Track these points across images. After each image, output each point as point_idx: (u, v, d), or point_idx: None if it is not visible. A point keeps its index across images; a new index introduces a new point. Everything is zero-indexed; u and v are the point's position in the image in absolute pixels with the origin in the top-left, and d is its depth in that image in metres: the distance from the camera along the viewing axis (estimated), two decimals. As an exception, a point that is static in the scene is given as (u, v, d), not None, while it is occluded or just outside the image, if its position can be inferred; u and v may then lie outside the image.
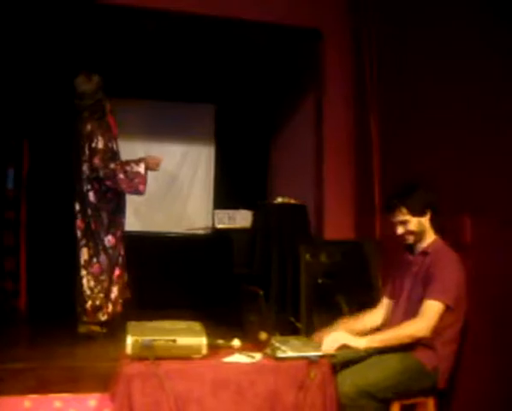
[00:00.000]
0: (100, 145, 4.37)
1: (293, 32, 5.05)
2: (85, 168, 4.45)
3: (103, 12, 4.59)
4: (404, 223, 3.05)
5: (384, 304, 3.27)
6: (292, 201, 4.80)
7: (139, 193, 4.47)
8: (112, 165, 4.35)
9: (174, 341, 2.71)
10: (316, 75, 5.03)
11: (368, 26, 4.51)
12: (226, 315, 4.80)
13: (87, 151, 4.40)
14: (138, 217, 6.80)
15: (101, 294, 4.48)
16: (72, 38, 5.33)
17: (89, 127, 4.41)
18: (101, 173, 4.35)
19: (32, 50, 5.60)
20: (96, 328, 4.46)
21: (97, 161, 4.34)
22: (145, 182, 4.41)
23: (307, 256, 4.12)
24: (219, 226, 5.89)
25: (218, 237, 6.11)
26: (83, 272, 4.50)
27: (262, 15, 4.75)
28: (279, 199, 4.80)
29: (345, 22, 4.87)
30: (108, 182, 4.39)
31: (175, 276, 6.50)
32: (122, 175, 4.36)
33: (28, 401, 3.23)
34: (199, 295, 6.20)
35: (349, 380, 2.80)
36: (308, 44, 5.08)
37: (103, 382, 3.20)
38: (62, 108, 6.21)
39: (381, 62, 4.37)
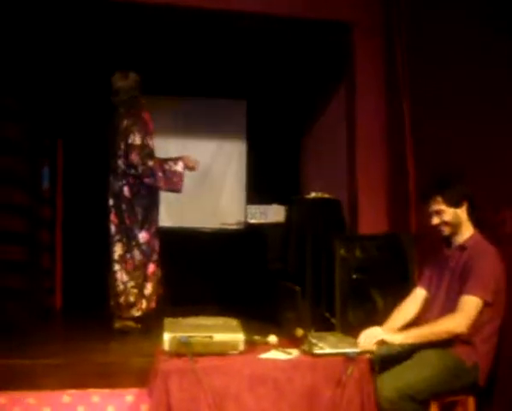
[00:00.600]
0: (137, 140, 4.40)
1: (323, 25, 5.00)
2: (120, 163, 4.48)
3: (137, 10, 4.61)
4: (439, 213, 3.00)
5: (418, 295, 3.21)
6: (325, 196, 4.76)
7: (176, 191, 4.52)
8: (151, 163, 4.39)
9: (211, 337, 2.71)
10: (347, 67, 4.99)
11: (399, 15, 4.45)
12: (261, 311, 4.80)
13: (123, 147, 4.44)
14: (170, 212, 6.83)
15: (135, 290, 4.51)
16: (106, 37, 5.35)
17: (125, 122, 4.45)
18: (139, 169, 4.38)
19: (66, 49, 5.65)
20: (130, 323, 4.49)
21: (134, 157, 4.37)
22: (182, 181, 4.49)
23: (342, 251, 4.08)
24: (252, 221, 5.89)
25: (251, 232, 6.11)
26: (116, 267, 4.54)
27: (293, 10, 4.72)
28: (313, 194, 4.77)
29: (375, 12, 4.82)
30: (146, 179, 4.43)
31: (208, 272, 6.52)
32: (160, 174, 4.40)
33: (67, 396, 3.27)
34: (233, 291, 6.21)
35: (389, 383, 2.75)
36: (338, 36, 5.03)
37: (138, 377, 3.23)
38: (95, 106, 6.30)
39: (412, 51, 4.30)
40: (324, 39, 5.35)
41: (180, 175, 4.50)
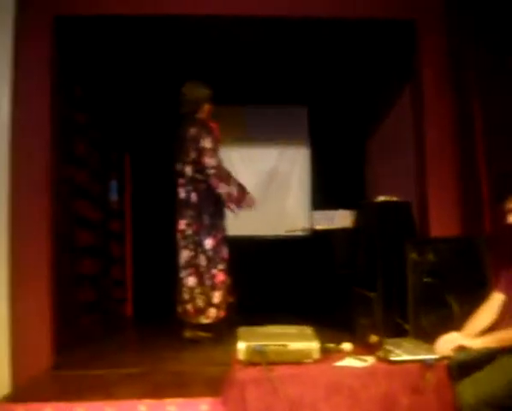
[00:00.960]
0: (208, 144, 4.48)
1: (386, 26, 4.91)
2: (188, 170, 4.55)
3: (200, 22, 4.66)
4: (516, 210, 2.88)
5: (496, 300, 3.10)
6: (394, 199, 4.66)
7: (241, 205, 4.62)
8: (225, 168, 4.48)
9: (285, 346, 2.68)
10: (412, 67, 4.88)
11: (465, 12, 4.32)
12: (332, 317, 4.75)
13: (193, 153, 4.50)
14: (235, 220, 6.85)
15: (202, 297, 4.53)
16: (172, 48, 5.43)
17: (194, 129, 4.54)
18: (212, 171, 4.45)
19: (132, 63, 5.77)
20: (201, 333, 4.53)
21: (207, 160, 4.45)
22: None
23: (414, 255, 3.98)
24: (318, 227, 5.83)
25: (317, 238, 6.06)
26: (183, 274, 4.58)
27: (353, 12, 4.66)
28: (381, 198, 4.68)
29: (439, 8, 4.70)
30: (220, 183, 4.49)
31: (275, 279, 6.52)
32: (236, 181, 4.52)
33: (143, 405, 3.29)
34: (300, 298, 6.18)
35: (471, 390, 2.65)
36: (402, 36, 4.93)
37: (211, 386, 3.22)
38: (160, 119, 6.43)
39: (482, 47, 4.16)
40: (387, 39, 5.26)
41: (251, 197, 4.68)
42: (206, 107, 4.73)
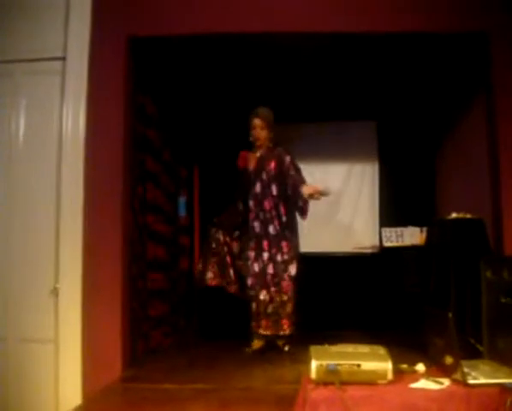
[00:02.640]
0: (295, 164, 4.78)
1: (457, 39, 4.81)
2: (273, 188, 4.75)
3: (263, 40, 4.69)
4: None
5: None
6: (467, 216, 4.54)
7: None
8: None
9: (359, 365, 2.63)
10: (485, 80, 4.75)
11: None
12: (401, 337, 4.64)
13: (279, 171, 4.73)
14: (303, 237, 6.84)
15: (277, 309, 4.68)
16: (237, 67, 5.49)
17: (278, 151, 4.86)
18: (304, 203, 4.68)
19: (201, 84, 5.87)
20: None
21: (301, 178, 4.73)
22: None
23: (488, 273, 3.84)
24: (387, 244, 5.75)
25: (386, 255, 5.98)
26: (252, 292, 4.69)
27: (423, 26, 4.59)
28: (453, 215, 4.56)
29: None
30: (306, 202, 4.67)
31: (344, 297, 6.45)
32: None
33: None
34: (369, 316, 6.08)
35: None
36: (473, 48, 4.81)
37: (281, 405, 3.20)
38: (228, 134, 6.50)
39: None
40: (457, 52, 5.15)
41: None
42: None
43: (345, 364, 2.63)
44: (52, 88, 4.20)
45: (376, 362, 2.68)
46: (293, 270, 4.78)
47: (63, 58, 4.19)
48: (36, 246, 4.10)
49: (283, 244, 4.77)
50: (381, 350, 2.83)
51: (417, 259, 5.22)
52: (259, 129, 4.82)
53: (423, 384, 2.73)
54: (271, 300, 4.68)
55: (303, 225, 6.71)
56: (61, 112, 4.14)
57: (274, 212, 4.77)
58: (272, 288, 4.72)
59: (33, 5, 4.30)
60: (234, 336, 5.58)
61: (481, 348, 3.85)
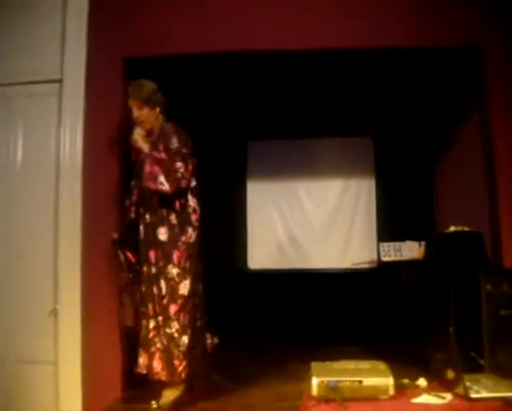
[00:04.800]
0: None
1: (451, 53, 4.85)
2: None
3: (263, 57, 4.72)
4: None
5: None
6: (465, 229, 4.54)
7: None
8: None
9: (360, 382, 2.64)
10: (479, 93, 4.78)
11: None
12: (401, 351, 4.62)
13: None
14: (300, 255, 6.87)
15: None
16: (237, 82, 5.52)
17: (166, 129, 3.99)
18: None
19: (202, 102, 5.90)
20: None
21: None
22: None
23: (488, 286, 3.85)
24: (385, 259, 5.75)
25: (385, 270, 5.97)
26: None
27: (417, 41, 4.62)
28: (452, 228, 4.56)
29: (505, 35, 4.60)
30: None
31: (342, 313, 6.44)
32: None
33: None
34: (369, 331, 6.07)
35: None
36: (467, 62, 4.85)
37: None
38: (229, 153, 6.55)
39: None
40: (452, 66, 5.19)
41: None
42: None
43: (346, 380, 2.63)
44: (49, 110, 4.21)
45: (377, 378, 2.68)
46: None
47: (60, 80, 4.20)
48: (35, 267, 4.09)
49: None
50: (382, 366, 2.83)
51: (416, 273, 5.21)
52: (136, 109, 3.79)
53: (425, 398, 2.73)
54: None
55: (300, 241, 6.82)
56: (58, 134, 4.14)
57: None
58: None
59: (29, 28, 4.32)
60: (237, 354, 5.57)
61: (482, 362, 3.85)
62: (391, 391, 2.67)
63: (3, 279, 4.11)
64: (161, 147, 3.73)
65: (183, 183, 3.62)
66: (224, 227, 6.79)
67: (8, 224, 4.16)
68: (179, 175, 3.59)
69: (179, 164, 3.61)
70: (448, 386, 2.81)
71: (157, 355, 3.57)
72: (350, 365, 2.86)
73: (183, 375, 3.56)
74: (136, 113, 3.80)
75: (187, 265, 3.74)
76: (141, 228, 3.76)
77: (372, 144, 6.97)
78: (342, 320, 6.40)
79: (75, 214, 4.03)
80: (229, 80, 5.39)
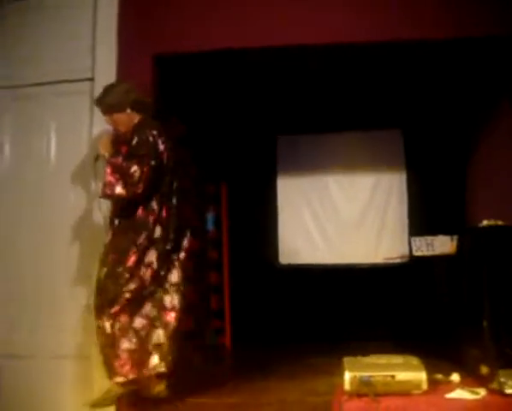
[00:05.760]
0: None
1: (482, 43, 4.77)
2: None
3: (291, 51, 4.70)
4: None
5: None
6: (499, 223, 4.47)
7: None
8: None
9: (393, 376, 2.62)
10: (510, 85, 4.71)
11: None
12: (433, 347, 4.59)
13: None
14: (331, 249, 6.84)
15: None
16: (263, 77, 5.52)
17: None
18: None
19: (228, 99, 5.92)
20: None
21: None
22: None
23: (523, 280, 3.80)
24: (417, 254, 5.70)
25: (416, 265, 5.92)
26: None
27: (448, 32, 4.56)
28: (485, 222, 4.50)
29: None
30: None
31: (373, 308, 6.41)
32: None
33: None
34: (401, 327, 6.03)
35: None
36: (499, 52, 4.77)
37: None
38: (256, 151, 6.55)
39: None
40: (483, 56, 5.11)
41: None
42: None
43: (379, 375, 2.62)
44: (81, 109, 4.27)
45: (410, 372, 2.67)
46: None
47: (91, 79, 4.26)
48: (68, 265, 4.15)
49: None
50: (414, 360, 2.81)
51: (448, 267, 5.15)
52: (115, 124, 3.72)
53: (459, 393, 2.70)
54: None
55: (330, 235, 6.79)
56: (90, 132, 4.19)
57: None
58: None
59: (60, 27, 4.38)
60: (267, 350, 5.59)
61: (517, 358, 3.79)
62: (424, 386, 2.65)
63: (39, 277, 4.19)
64: (124, 150, 3.57)
65: (138, 189, 3.39)
66: (255, 222, 6.82)
67: (42, 223, 4.22)
68: (134, 179, 3.37)
69: (134, 168, 3.37)
70: (482, 382, 2.78)
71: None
72: (383, 359, 2.85)
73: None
74: (118, 128, 3.69)
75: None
76: (110, 233, 3.61)
77: (402, 137, 6.89)
78: (373, 316, 6.37)
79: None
80: (258, 76, 5.40)
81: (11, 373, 4.11)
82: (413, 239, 5.89)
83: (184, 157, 5.20)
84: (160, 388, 3.49)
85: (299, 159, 6.97)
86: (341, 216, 6.92)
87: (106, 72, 4.22)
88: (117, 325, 3.38)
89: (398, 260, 6.54)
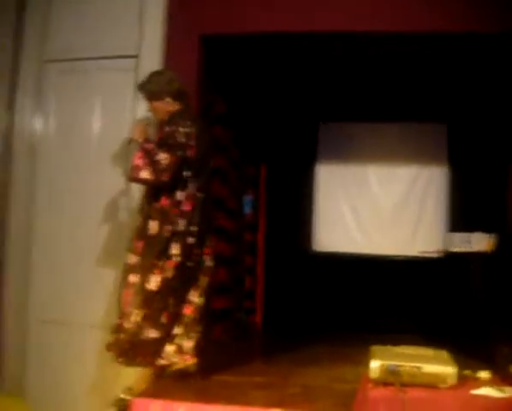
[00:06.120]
0: None
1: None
2: None
3: (334, 38, 4.68)
4: None
5: None
6: (540, 223, 4.41)
7: None
8: None
9: (420, 368, 2.61)
10: None
11: None
12: (465, 343, 4.55)
13: None
14: (368, 239, 6.82)
15: None
16: (306, 62, 5.50)
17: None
18: None
19: (270, 82, 5.93)
20: None
21: None
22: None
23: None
24: (453, 249, 5.64)
25: (452, 261, 5.87)
26: None
27: (495, 25, 4.46)
28: (526, 222, 4.45)
29: None
30: None
31: (406, 301, 6.38)
32: None
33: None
34: (433, 321, 5.99)
35: None
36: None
37: (340, 403, 3.19)
38: (297, 134, 6.54)
39: None
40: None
41: None
42: None
43: (406, 365, 2.62)
44: (125, 85, 4.29)
45: (438, 366, 2.66)
46: None
47: (136, 56, 4.29)
48: (109, 235, 4.23)
49: None
50: (444, 354, 2.80)
51: (484, 265, 5.10)
52: (154, 111, 3.74)
53: (485, 391, 2.68)
54: None
55: (367, 227, 6.76)
56: (134, 109, 4.24)
57: None
58: None
59: (110, 3, 4.43)
60: (296, 334, 5.62)
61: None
62: (452, 380, 2.63)
63: (81, 246, 4.26)
64: (158, 137, 3.56)
65: (164, 177, 3.39)
66: (292, 207, 6.84)
67: (85, 196, 4.29)
68: (161, 167, 3.38)
69: (163, 156, 3.39)
70: (511, 381, 2.75)
71: None
72: (411, 350, 2.84)
73: None
74: (157, 115, 3.70)
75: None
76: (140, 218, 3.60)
77: (446, 131, 6.80)
78: (405, 309, 6.35)
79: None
80: (303, 61, 5.38)
81: (52, 338, 4.23)
82: (450, 234, 5.85)
83: (224, 139, 5.26)
84: (189, 363, 3.55)
85: (340, 147, 6.94)
86: (378, 206, 6.89)
87: (151, 50, 4.25)
88: (143, 315, 3.42)
89: (434, 255, 6.48)
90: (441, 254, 6.38)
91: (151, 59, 4.23)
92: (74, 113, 4.40)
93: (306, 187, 6.99)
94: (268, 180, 6.72)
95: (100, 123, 4.35)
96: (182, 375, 3.50)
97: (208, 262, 3.63)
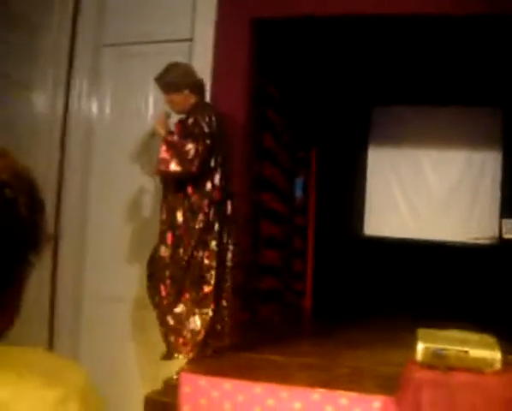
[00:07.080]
0: None
1: None
2: None
3: (387, 22, 4.63)
4: None
5: None
6: None
7: None
8: None
9: (466, 352, 2.62)
10: None
11: None
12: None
13: None
14: (420, 224, 6.76)
15: None
16: (362, 52, 5.47)
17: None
18: None
19: (322, 66, 5.91)
20: None
21: None
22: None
23: None
24: (507, 236, 5.54)
25: (506, 248, 5.76)
26: None
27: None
28: None
29: None
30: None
31: (457, 286, 6.31)
32: None
33: (317, 394, 3.37)
34: (483, 307, 5.91)
35: None
36: None
37: (385, 385, 3.21)
38: (348, 118, 6.51)
39: None
40: None
41: None
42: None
43: (452, 349, 2.62)
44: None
45: (484, 350, 2.65)
46: None
47: (190, 40, 4.36)
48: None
49: None
50: (490, 339, 2.79)
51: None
52: (171, 103, 3.73)
53: (531, 377, 2.66)
54: None
55: (419, 212, 6.69)
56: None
57: None
58: None
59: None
60: (345, 317, 5.63)
61: None
62: (497, 365, 2.63)
63: (132, 219, 4.39)
64: (179, 129, 3.61)
65: (193, 167, 3.41)
66: (343, 191, 6.84)
67: (139, 177, 4.40)
68: (189, 157, 3.40)
69: (189, 146, 3.40)
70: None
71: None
72: (458, 334, 2.84)
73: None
74: (174, 108, 3.70)
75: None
76: (164, 208, 3.64)
77: (502, 116, 6.64)
78: (455, 295, 6.28)
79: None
80: (357, 45, 5.34)
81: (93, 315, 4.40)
82: (504, 221, 5.73)
83: (276, 123, 5.29)
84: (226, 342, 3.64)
85: (392, 131, 6.89)
86: (430, 191, 6.82)
87: (204, 34, 4.30)
88: (182, 308, 3.51)
89: (487, 241, 6.38)
90: (494, 241, 6.27)
91: (205, 43, 4.28)
92: (129, 97, 4.52)
93: (357, 172, 6.97)
94: (319, 164, 6.73)
95: (154, 108, 4.43)
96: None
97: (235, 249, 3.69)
